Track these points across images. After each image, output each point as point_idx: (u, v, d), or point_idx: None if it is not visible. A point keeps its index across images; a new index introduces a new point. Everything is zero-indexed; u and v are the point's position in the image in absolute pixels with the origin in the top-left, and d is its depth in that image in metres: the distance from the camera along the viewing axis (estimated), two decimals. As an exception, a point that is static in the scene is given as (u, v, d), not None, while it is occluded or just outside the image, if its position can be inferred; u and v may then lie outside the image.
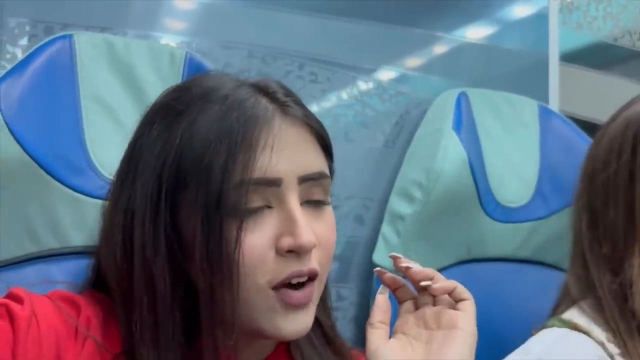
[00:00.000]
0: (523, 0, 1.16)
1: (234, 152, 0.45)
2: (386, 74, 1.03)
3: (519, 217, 0.96)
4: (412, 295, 0.54)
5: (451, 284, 0.52)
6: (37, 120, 0.66)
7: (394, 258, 0.52)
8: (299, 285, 0.48)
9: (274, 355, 0.54)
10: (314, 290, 0.49)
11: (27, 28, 0.80)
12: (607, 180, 0.65)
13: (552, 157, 0.99)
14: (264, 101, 0.47)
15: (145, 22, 0.87)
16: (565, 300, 0.69)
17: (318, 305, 0.51)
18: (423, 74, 1.06)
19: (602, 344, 0.60)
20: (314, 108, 0.97)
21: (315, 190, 0.48)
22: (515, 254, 0.98)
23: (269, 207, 0.47)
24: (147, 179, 0.47)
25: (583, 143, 0.99)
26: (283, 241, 0.46)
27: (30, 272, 0.67)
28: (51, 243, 0.67)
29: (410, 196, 0.89)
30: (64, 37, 0.71)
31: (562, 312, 0.68)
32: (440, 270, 0.92)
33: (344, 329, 0.96)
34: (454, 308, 0.51)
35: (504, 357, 0.71)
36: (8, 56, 0.78)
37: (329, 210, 0.51)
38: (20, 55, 0.77)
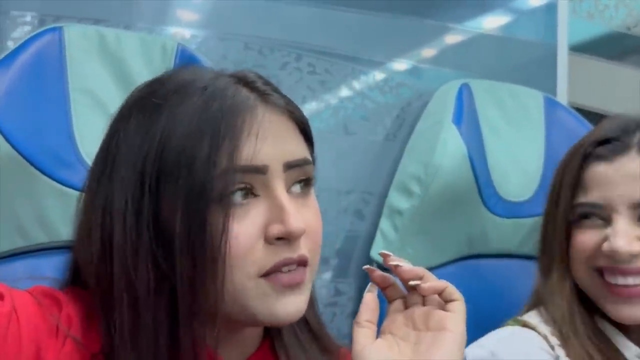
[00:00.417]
0: (531, -12, 1.13)
1: (217, 141, 0.44)
2: (387, 65, 1.01)
3: (522, 212, 0.94)
4: (401, 294, 0.52)
5: (441, 284, 0.50)
6: (24, 114, 0.65)
7: (384, 256, 0.51)
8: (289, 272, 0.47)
9: (258, 354, 0.53)
10: (306, 273, 0.48)
11: (35, 21, 0.80)
12: (549, 191, 0.74)
13: (557, 150, 0.96)
14: (244, 90, 0.47)
15: (137, 13, 0.86)
16: (531, 303, 0.74)
17: None
18: (426, 65, 1.03)
19: (545, 337, 0.66)
20: (312, 100, 0.96)
21: (299, 176, 0.48)
22: (518, 249, 0.96)
23: (255, 195, 0.46)
24: (126, 174, 0.46)
25: (590, 136, 0.96)
26: (272, 229, 0.45)
27: (19, 266, 0.67)
28: (40, 237, 0.67)
29: (408, 191, 0.87)
30: (53, 29, 0.70)
31: (523, 314, 0.73)
32: (440, 266, 0.91)
33: (342, 324, 0.95)
34: (444, 309, 0.49)
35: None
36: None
37: (313, 197, 0.50)
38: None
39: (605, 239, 0.65)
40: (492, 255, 0.94)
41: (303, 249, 0.47)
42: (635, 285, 0.64)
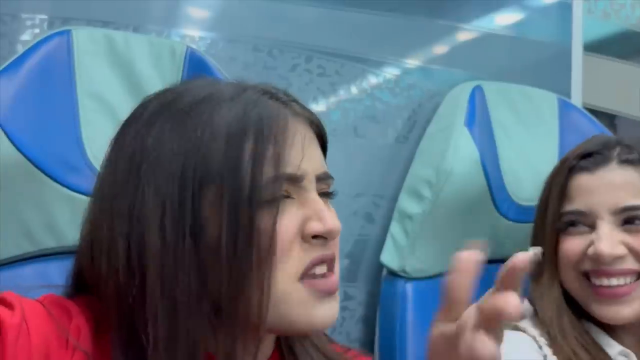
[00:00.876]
0: (545, -13, 1.11)
1: (262, 148, 0.45)
2: (398, 66, 1.00)
3: (535, 216, 0.93)
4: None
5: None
6: (32, 118, 0.65)
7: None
8: (325, 274, 0.47)
9: None
10: (336, 280, 0.48)
11: (44, 24, 0.80)
12: (539, 202, 0.78)
13: (571, 154, 0.95)
14: (272, 102, 0.48)
15: (146, 16, 0.86)
16: None
17: None
18: (437, 66, 1.02)
19: (534, 338, 0.70)
20: (322, 102, 0.95)
21: (323, 189, 0.50)
22: (532, 254, 0.94)
23: (291, 197, 0.47)
24: (162, 181, 0.45)
25: (605, 139, 0.94)
26: (311, 226, 0.46)
27: (28, 271, 0.67)
28: (48, 242, 0.67)
29: (419, 195, 0.86)
30: (61, 32, 0.70)
31: None
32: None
33: (352, 328, 0.94)
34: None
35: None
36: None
37: (331, 206, 0.51)
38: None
39: (591, 244, 0.70)
40: (504, 260, 0.92)
41: (334, 248, 0.48)
42: (619, 286, 0.69)
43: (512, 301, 0.38)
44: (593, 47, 1.17)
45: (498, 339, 0.40)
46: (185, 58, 0.74)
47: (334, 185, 0.51)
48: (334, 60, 0.95)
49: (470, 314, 0.41)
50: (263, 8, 0.91)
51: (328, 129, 0.52)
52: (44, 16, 0.81)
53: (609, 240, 0.69)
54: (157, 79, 0.73)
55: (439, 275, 0.88)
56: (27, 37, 0.80)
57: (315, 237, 0.46)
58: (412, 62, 1.01)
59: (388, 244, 0.89)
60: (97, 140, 0.69)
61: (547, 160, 0.94)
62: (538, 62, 1.10)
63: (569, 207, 0.73)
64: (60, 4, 0.81)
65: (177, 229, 0.44)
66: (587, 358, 0.68)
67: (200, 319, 0.45)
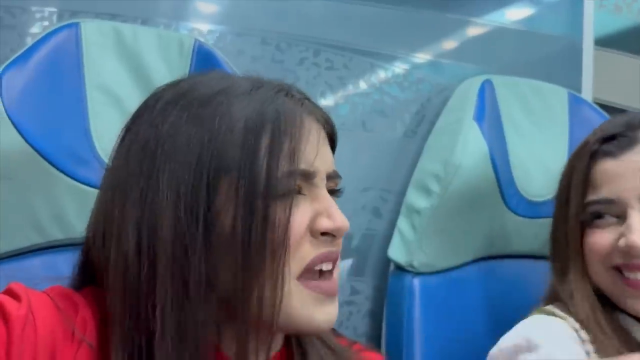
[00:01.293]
0: (556, -19, 1.10)
1: (279, 142, 0.46)
2: (407, 60, 0.99)
3: (544, 212, 0.91)
4: None
5: None
6: (40, 111, 0.65)
7: None
8: (326, 274, 0.48)
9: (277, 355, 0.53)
10: (337, 280, 0.49)
11: (53, 16, 0.80)
12: (558, 193, 0.74)
13: (581, 149, 0.94)
14: (288, 99, 0.49)
15: (155, 9, 0.86)
16: (548, 298, 0.74)
17: None
18: (447, 60, 1.01)
19: (576, 330, 0.67)
20: (330, 96, 0.95)
21: (332, 187, 0.51)
22: (541, 250, 0.93)
23: (302, 193, 0.48)
24: (177, 168, 0.45)
25: (616, 134, 0.93)
26: (321, 222, 0.47)
27: (36, 262, 0.67)
28: (56, 234, 0.67)
29: (427, 189, 0.85)
30: (70, 25, 0.70)
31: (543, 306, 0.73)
32: (459, 267, 0.89)
33: (359, 323, 0.94)
34: None
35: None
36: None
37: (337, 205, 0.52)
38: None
39: (621, 236, 0.65)
40: (513, 256, 0.92)
41: (338, 247, 0.49)
42: None
43: None
44: (604, 42, 1.16)
45: None
46: (193, 51, 0.74)
47: (341, 182, 0.51)
48: (342, 54, 0.94)
49: None
50: (271, 1, 0.90)
51: (336, 123, 0.52)
52: (53, 9, 0.81)
53: None
54: (165, 71, 0.73)
55: (447, 270, 0.88)
56: (37, 29, 0.80)
57: (323, 234, 0.47)
58: (421, 56, 1.00)
59: (395, 239, 0.88)
60: (106, 132, 0.69)
61: (556, 155, 0.94)
62: (548, 57, 1.09)
63: (594, 196, 0.67)
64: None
65: (191, 216, 0.44)
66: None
67: (209, 311, 0.45)
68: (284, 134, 0.46)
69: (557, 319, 0.68)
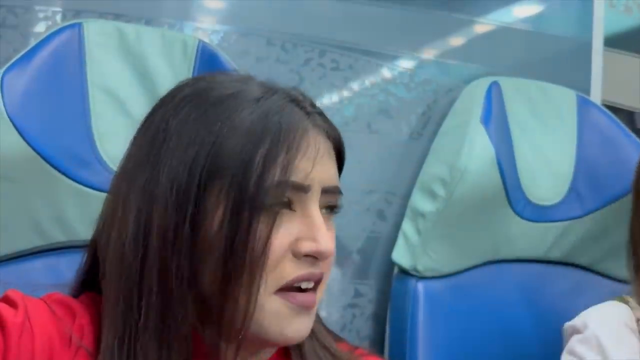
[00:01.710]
0: (565, -19, 1.08)
1: (274, 153, 0.46)
2: (412, 61, 0.98)
3: (551, 216, 0.91)
4: None
5: None
6: (42, 113, 0.64)
7: None
8: (304, 291, 0.48)
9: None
10: (316, 297, 0.49)
11: (57, 16, 0.79)
12: (634, 190, 0.75)
13: (589, 153, 0.93)
14: (296, 110, 0.49)
15: (158, 9, 0.85)
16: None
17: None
18: (453, 61, 1.00)
19: (638, 320, 0.70)
20: (335, 97, 0.94)
21: (329, 202, 0.50)
22: (546, 254, 0.93)
23: (292, 209, 0.47)
24: (175, 162, 0.46)
25: (624, 138, 0.92)
26: (304, 245, 0.47)
27: (38, 264, 0.67)
28: (58, 236, 0.67)
29: (433, 193, 0.84)
30: (72, 25, 0.69)
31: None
32: (464, 271, 0.88)
33: (362, 326, 0.93)
34: None
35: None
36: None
37: (333, 223, 0.52)
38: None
39: None
40: (518, 261, 0.91)
41: (322, 268, 0.48)
42: None
43: None
44: (613, 42, 1.14)
45: None
46: (197, 52, 0.74)
47: (349, 181, 0.52)
48: (348, 55, 0.93)
49: None
50: (277, 1, 0.90)
51: (341, 124, 0.52)
52: (56, 8, 0.80)
53: None
54: (168, 72, 0.72)
55: (452, 274, 0.87)
56: (40, 29, 0.79)
57: (306, 255, 0.47)
58: (427, 57, 0.99)
59: (400, 242, 0.88)
60: (108, 134, 0.68)
61: (564, 159, 0.92)
62: (557, 57, 1.07)
63: None
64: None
65: (179, 213, 0.45)
66: None
67: (189, 307, 0.46)
68: (281, 146, 0.46)
69: (626, 306, 0.71)
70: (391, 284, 0.90)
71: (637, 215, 0.74)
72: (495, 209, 0.86)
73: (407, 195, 0.91)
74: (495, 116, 0.88)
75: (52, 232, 0.66)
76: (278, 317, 0.47)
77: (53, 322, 0.46)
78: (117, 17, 0.80)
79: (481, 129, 0.85)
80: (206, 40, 0.77)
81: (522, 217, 0.89)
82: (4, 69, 0.63)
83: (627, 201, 0.80)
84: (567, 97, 0.96)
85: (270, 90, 0.49)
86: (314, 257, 0.47)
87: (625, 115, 1.08)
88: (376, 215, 0.94)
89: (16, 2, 0.78)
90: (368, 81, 0.95)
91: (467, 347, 0.85)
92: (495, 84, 0.91)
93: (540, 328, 0.89)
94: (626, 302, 0.73)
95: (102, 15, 0.80)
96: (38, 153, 0.63)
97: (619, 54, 1.15)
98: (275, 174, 0.46)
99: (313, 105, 0.50)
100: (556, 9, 1.08)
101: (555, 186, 0.91)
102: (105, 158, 0.68)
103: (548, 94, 0.95)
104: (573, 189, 0.91)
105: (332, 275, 0.52)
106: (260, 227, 0.45)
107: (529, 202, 0.89)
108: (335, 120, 0.52)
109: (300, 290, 0.47)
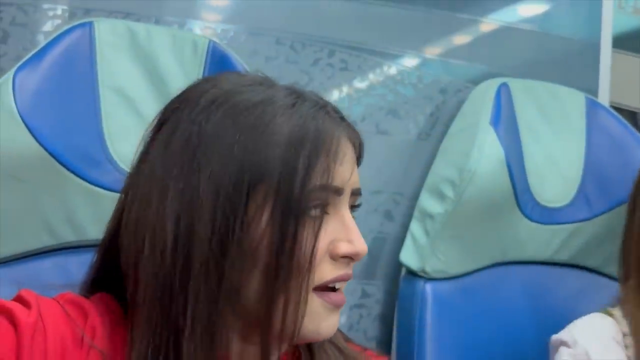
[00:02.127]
0: (574, -18, 1.08)
1: (315, 159, 0.47)
2: (421, 62, 0.97)
3: (559, 218, 0.91)
4: None
5: None
6: (53, 112, 0.64)
7: None
8: (335, 290, 0.49)
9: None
10: None
11: (66, 14, 0.79)
12: (629, 200, 0.76)
13: (598, 155, 0.93)
14: (327, 117, 0.50)
15: (168, 7, 0.84)
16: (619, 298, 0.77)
17: None
18: (462, 61, 1.00)
19: (624, 335, 0.71)
20: (343, 97, 0.93)
21: (354, 203, 0.52)
22: (555, 256, 0.93)
23: (327, 212, 0.49)
24: (218, 169, 0.46)
25: (633, 140, 0.92)
26: (341, 246, 0.48)
27: (48, 264, 0.67)
28: (68, 236, 0.67)
29: (441, 194, 0.84)
30: (83, 24, 0.69)
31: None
32: (472, 272, 0.88)
33: (369, 326, 0.93)
34: None
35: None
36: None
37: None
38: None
39: None
40: (526, 262, 0.91)
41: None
42: None
43: None
44: (621, 44, 1.14)
45: None
46: (207, 52, 0.73)
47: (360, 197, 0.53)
48: (357, 55, 0.93)
49: None
50: (286, 1, 0.89)
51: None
52: (65, 7, 0.80)
53: None
54: (179, 72, 0.72)
55: (460, 276, 0.87)
56: (49, 27, 0.79)
57: (343, 256, 0.48)
58: (435, 58, 0.98)
59: (407, 243, 0.87)
60: (119, 134, 0.68)
61: (573, 161, 0.92)
62: (564, 58, 1.07)
63: None
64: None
65: (228, 221, 0.45)
66: None
67: (235, 315, 0.47)
68: (321, 152, 0.47)
69: (611, 319, 0.71)
70: (398, 285, 0.90)
71: (630, 225, 0.75)
72: (504, 211, 0.86)
73: (415, 196, 0.91)
74: (504, 118, 0.88)
75: (63, 231, 0.66)
76: (315, 316, 0.48)
77: (66, 322, 0.46)
78: (126, 15, 0.80)
79: (491, 130, 0.85)
80: (215, 39, 0.77)
81: (530, 219, 0.88)
82: (15, 67, 0.63)
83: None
84: (576, 100, 0.96)
85: (298, 96, 0.50)
86: (350, 258, 0.48)
87: (627, 114, 1.07)
88: (384, 215, 0.94)
89: (25, 0, 0.78)
90: (376, 81, 0.95)
91: (475, 349, 0.85)
92: (504, 85, 0.91)
93: (547, 330, 0.88)
94: (611, 315, 0.73)
95: (111, 13, 0.80)
96: (49, 152, 0.63)
97: (628, 56, 1.15)
98: (317, 179, 0.47)
99: (337, 112, 0.52)
100: (565, 9, 1.08)
101: (564, 188, 0.91)
102: (115, 157, 0.67)
103: (557, 96, 0.95)
104: (581, 192, 0.91)
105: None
106: (307, 232, 0.46)
107: (537, 204, 0.89)
108: (343, 120, 0.52)
109: (333, 289, 0.49)
